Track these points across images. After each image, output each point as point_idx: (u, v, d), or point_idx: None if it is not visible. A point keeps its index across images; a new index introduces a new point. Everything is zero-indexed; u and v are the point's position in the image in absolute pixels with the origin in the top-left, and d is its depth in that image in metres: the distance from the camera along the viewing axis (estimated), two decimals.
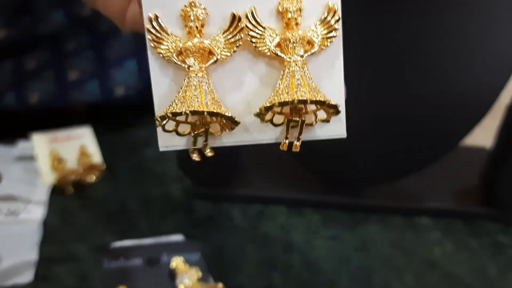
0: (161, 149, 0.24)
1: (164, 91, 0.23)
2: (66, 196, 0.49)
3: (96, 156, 0.52)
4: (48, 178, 0.49)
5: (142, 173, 0.53)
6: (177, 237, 0.43)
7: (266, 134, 0.24)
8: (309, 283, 0.43)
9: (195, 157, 0.23)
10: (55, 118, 0.55)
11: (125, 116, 0.57)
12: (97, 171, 0.51)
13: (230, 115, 0.22)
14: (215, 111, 0.22)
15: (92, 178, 0.50)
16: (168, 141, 0.23)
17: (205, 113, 0.22)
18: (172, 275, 0.39)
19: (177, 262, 0.39)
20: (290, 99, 0.22)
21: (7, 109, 0.54)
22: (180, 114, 0.22)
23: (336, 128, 0.24)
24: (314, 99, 0.22)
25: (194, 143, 0.23)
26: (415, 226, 0.49)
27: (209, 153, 0.23)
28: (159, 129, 0.23)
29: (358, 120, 0.46)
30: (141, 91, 0.56)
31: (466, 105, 0.47)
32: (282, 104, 0.22)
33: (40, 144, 0.52)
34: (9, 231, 0.44)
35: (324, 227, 0.48)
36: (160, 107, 0.23)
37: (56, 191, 0.49)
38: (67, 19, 0.54)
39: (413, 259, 0.46)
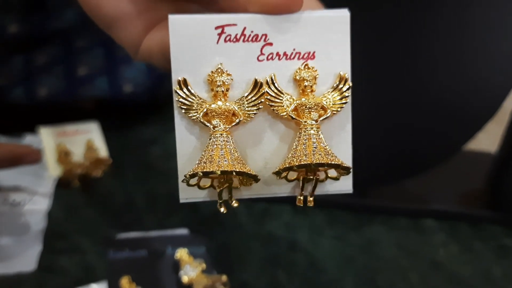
0: (182, 201, 0.26)
1: (187, 149, 0.25)
2: (72, 189, 0.49)
3: (102, 151, 0.52)
4: (54, 171, 0.49)
5: (147, 170, 0.53)
6: (182, 231, 0.43)
7: (281, 188, 0.26)
8: (313, 282, 0.43)
9: (223, 210, 0.25)
10: (63, 113, 0.55)
11: (132, 113, 0.58)
12: (103, 166, 0.51)
13: (254, 173, 0.24)
14: (242, 170, 0.24)
15: (98, 172, 0.50)
16: (189, 194, 0.25)
17: (234, 173, 0.24)
18: (176, 267, 0.39)
19: (181, 253, 0.39)
20: (309, 162, 0.24)
21: (16, 102, 0.54)
22: (211, 173, 0.23)
23: (344, 184, 0.26)
24: (331, 163, 0.24)
25: (220, 197, 0.25)
26: (420, 227, 0.49)
27: (235, 204, 0.25)
28: (180, 182, 0.25)
29: (364, 121, 0.46)
30: (149, 88, 0.56)
31: (470, 109, 0.47)
32: (301, 166, 0.24)
33: (48, 137, 0.52)
34: (14, 221, 0.44)
35: (329, 227, 0.48)
36: (183, 164, 0.25)
37: (62, 184, 0.49)
38: (78, 16, 0.54)
39: (418, 260, 0.45)
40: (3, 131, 0.54)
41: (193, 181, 0.24)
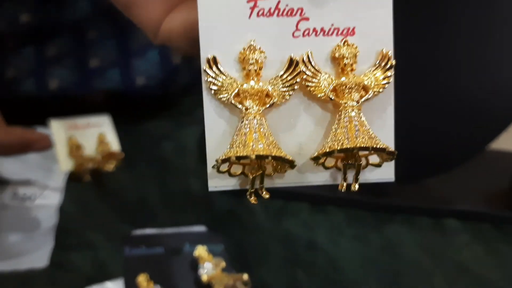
0: (210, 189, 0.24)
1: (217, 133, 0.23)
2: (83, 183, 0.47)
3: (114, 144, 0.51)
4: (65, 164, 0.48)
5: (160, 165, 0.51)
6: (200, 228, 0.42)
7: (318, 176, 0.24)
8: (334, 282, 0.41)
9: (253, 200, 0.23)
10: (74, 106, 0.54)
11: (145, 107, 0.56)
12: (116, 160, 0.49)
13: (292, 159, 0.23)
14: (279, 155, 0.22)
15: (110, 166, 0.49)
16: (218, 182, 0.24)
17: (270, 157, 0.22)
18: (194, 264, 0.37)
19: (200, 251, 0.37)
20: (352, 146, 0.22)
21: (27, 94, 0.53)
22: (246, 157, 0.22)
23: (386, 172, 0.24)
24: (376, 147, 0.22)
25: (252, 186, 0.23)
26: (442, 228, 0.47)
27: (265, 195, 0.24)
28: (209, 169, 0.23)
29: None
30: (162, 81, 0.55)
31: (494, 110, 0.46)
32: (343, 151, 0.22)
33: (59, 130, 0.50)
34: (24, 216, 0.42)
35: (349, 226, 0.47)
36: (212, 149, 0.23)
37: (73, 178, 0.47)
38: (91, 7, 0.53)
39: (442, 262, 0.44)
40: (14, 123, 0.52)
41: (224, 167, 0.23)
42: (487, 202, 0.49)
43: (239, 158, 0.22)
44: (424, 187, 0.49)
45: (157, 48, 0.55)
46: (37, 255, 0.39)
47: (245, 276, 0.36)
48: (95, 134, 0.51)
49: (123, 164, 0.50)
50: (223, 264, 0.37)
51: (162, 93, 0.56)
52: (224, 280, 0.35)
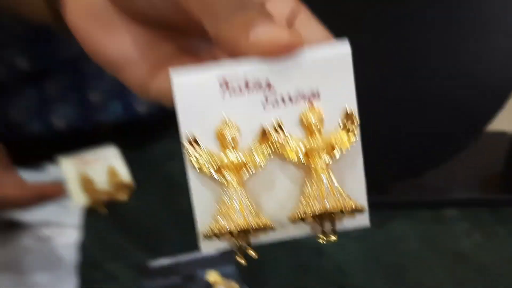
0: (204, 252, 0.26)
1: (205, 203, 0.25)
2: (100, 216, 0.50)
3: (125, 174, 0.53)
4: (79, 200, 0.51)
5: (171, 187, 0.54)
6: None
7: (299, 230, 0.26)
8: (343, 286, 0.44)
9: (243, 262, 0.25)
10: (81, 140, 0.56)
11: (149, 132, 0.59)
12: (128, 190, 0.52)
13: (271, 226, 0.25)
14: (258, 226, 0.24)
15: (123, 196, 0.52)
16: (210, 245, 0.26)
17: (261, 228, 0.24)
18: None
19: (213, 276, 0.40)
20: (323, 210, 0.24)
21: (33, 135, 0.55)
22: (228, 232, 0.24)
23: (361, 219, 0.26)
24: (344, 208, 0.24)
25: (240, 251, 0.25)
26: (443, 218, 0.49)
27: (254, 255, 0.26)
28: (200, 236, 0.25)
29: (379, 117, 0.46)
30: (162, 106, 0.57)
31: (487, 92, 0.47)
32: (315, 215, 0.24)
33: (69, 167, 0.53)
34: (46, 256, 0.45)
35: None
36: (201, 216, 0.25)
37: (90, 213, 0.50)
38: None
39: (443, 253, 0.46)
40: (24, 164, 0.55)
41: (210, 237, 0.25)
42: (483, 187, 0.51)
43: (222, 233, 0.24)
44: (421, 180, 0.51)
45: None
46: None
47: None
48: (105, 167, 0.53)
49: (135, 192, 0.53)
50: (235, 286, 0.39)
51: (164, 117, 0.58)
52: None
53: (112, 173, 0.53)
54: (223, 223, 0.24)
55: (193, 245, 0.46)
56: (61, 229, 0.48)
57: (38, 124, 0.56)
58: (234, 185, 0.25)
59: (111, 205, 0.51)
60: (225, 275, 0.41)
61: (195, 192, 0.25)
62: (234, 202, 0.24)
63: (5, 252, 0.44)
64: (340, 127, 0.25)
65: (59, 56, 0.55)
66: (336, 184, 0.25)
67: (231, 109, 0.25)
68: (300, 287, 0.44)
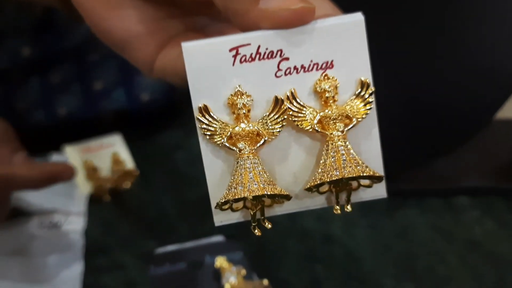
0: (217, 224, 0.26)
1: (217, 174, 0.25)
2: (104, 204, 0.50)
3: (129, 162, 0.53)
4: (84, 188, 0.50)
5: (176, 176, 0.53)
6: (218, 238, 0.44)
7: (314, 201, 0.25)
8: (353, 273, 0.43)
9: (257, 232, 0.25)
10: (85, 129, 0.55)
11: (153, 121, 0.58)
12: (132, 177, 0.51)
13: (286, 193, 0.24)
14: (273, 193, 0.24)
15: (127, 184, 0.51)
16: (223, 217, 0.25)
17: (266, 196, 0.24)
18: (216, 275, 0.39)
19: (220, 261, 0.39)
20: (341, 176, 0.23)
21: (38, 124, 0.55)
22: (243, 199, 0.23)
23: (378, 190, 0.26)
24: (363, 175, 0.24)
25: (254, 220, 0.25)
26: (454, 206, 0.48)
27: (268, 225, 0.25)
28: (213, 207, 0.25)
29: (388, 105, 0.45)
30: (166, 93, 0.56)
31: (497, 79, 0.46)
32: (332, 182, 0.24)
33: (73, 155, 0.52)
34: (54, 244, 0.45)
35: (362, 216, 0.48)
36: (213, 188, 0.25)
37: (94, 200, 0.50)
38: (88, 31, 0.54)
39: (455, 241, 0.45)
40: (29, 152, 0.55)
41: (226, 206, 0.25)
42: (495, 175, 0.50)
43: (236, 200, 0.23)
44: (431, 168, 0.50)
45: None
46: (69, 281, 0.42)
47: (265, 282, 0.38)
48: (109, 155, 0.53)
49: (139, 180, 0.52)
50: (243, 272, 0.39)
51: (167, 105, 0.58)
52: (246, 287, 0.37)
53: (116, 161, 0.52)
54: (237, 190, 0.23)
55: (198, 233, 0.46)
56: (67, 217, 0.47)
57: (42, 113, 0.55)
58: (247, 154, 0.24)
59: (116, 193, 0.50)
60: (232, 262, 0.40)
61: (207, 162, 0.25)
62: (248, 171, 0.24)
63: (13, 238, 0.44)
64: (355, 95, 0.25)
65: (63, 45, 0.55)
66: (353, 152, 0.24)
67: (243, 77, 0.24)
68: (309, 275, 0.43)
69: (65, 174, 0.42)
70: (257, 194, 0.23)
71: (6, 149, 0.41)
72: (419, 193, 0.49)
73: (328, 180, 0.23)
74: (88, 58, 0.56)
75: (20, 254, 0.42)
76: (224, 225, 0.46)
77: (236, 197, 0.23)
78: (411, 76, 0.47)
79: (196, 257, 0.41)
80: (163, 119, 0.59)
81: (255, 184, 0.23)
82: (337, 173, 0.23)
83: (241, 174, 0.24)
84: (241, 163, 0.24)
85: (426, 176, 0.50)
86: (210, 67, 0.24)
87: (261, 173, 0.24)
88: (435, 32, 0.46)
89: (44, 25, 0.53)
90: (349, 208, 0.25)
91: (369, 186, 0.25)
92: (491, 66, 0.46)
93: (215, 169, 0.25)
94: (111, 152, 0.53)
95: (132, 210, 0.50)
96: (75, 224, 0.47)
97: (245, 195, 0.23)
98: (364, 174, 0.23)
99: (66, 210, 0.48)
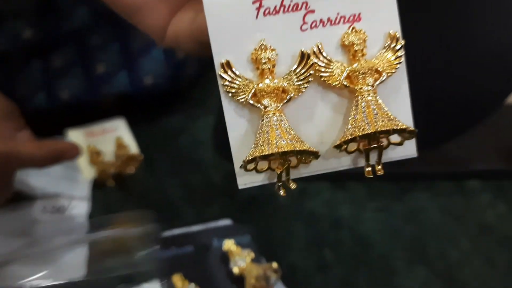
0: (240, 187, 0.24)
1: (240, 134, 0.24)
2: (108, 189, 0.49)
3: (132, 147, 0.52)
4: (88, 172, 0.49)
5: (180, 161, 0.52)
6: (225, 222, 0.43)
7: (341, 161, 0.24)
8: (362, 258, 0.42)
9: (282, 192, 0.24)
10: (88, 113, 0.54)
11: (156, 105, 0.57)
12: (136, 162, 0.50)
13: (315, 150, 0.23)
14: (303, 149, 0.23)
15: (131, 169, 0.50)
16: (246, 179, 0.24)
17: (295, 152, 0.23)
18: (224, 259, 0.38)
19: (229, 245, 0.38)
20: (373, 131, 0.22)
21: (40, 108, 0.54)
22: (271, 155, 0.22)
23: (408, 149, 0.25)
24: (396, 129, 0.23)
25: (279, 179, 0.24)
26: (464, 190, 0.48)
27: (293, 185, 0.24)
28: (237, 168, 0.24)
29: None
30: (169, 77, 0.55)
31: (507, 63, 0.45)
32: (365, 136, 0.23)
33: (77, 139, 0.51)
34: (58, 228, 0.44)
35: (371, 199, 0.47)
36: (237, 149, 0.24)
37: (98, 185, 0.49)
38: (90, 14, 0.53)
39: (466, 225, 0.44)
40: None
41: (251, 165, 0.24)
42: (506, 158, 0.49)
43: (264, 156, 0.22)
44: (442, 151, 0.49)
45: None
46: (74, 266, 0.41)
47: (275, 265, 0.37)
48: (112, 139, 0.52)
49: (143, 165, 0.51)
50: (252, 255, 0.38)
51: (171, 89, 0.56)
52: (254, 270, 0.36)
53: (120, 145, 0.51)
54: (264, 147, 0.22)
55: (204, 218, 0.45)
56: (70, 202, 0.46)
57: (44, 97, 0.54)
58: (273, 111, 0.23)
59: (119, 177, 0.49)
60: (240, 245, 0.39)
61: (230, 121, 0.24)
62: (274, 128, 0.23)
63: (16, 222, 0.43)
64: (384, 49, 0.24)
65: (64, 28, 0.53)
66: (384, 107, 0.23)
67: (266, 31, 0.23)
68: (317, 259, 0.42)
69: (70, 152, 0.41)
70: (285, 150, 0.22)
71: (10, 127, 0.40)
72: (429, 176, 0.48)
73: (360, 134, 0.22)
74: (90, 41, 0.55)
75: (26, 235, 0.42)
76: (229, 209, 0.46)
77: (264, 153, 0.22)
78: (422, 60, 0.46)
79: (204, 241, 0.40)
80: (166, 103, 0.58)
81: (283, 141, 0.22)
82: (369, 127, 0.22)
83: (267, 132, 0.23)
84: (267, 120, 0.23)
85: (436, 159, 0.49)
86: (233, 21, 0.23)
87: (288, 129, 0.23)
88: (447, 17, 0.45)
89: (45, 7, 0.52)
90: (380, 168, 0.24)
91: (399, 144, 0.24)
92: (503, 50, 0.45)
93: (238, 129, 0.24)
94: (115, 137, 0.52)
95: (136, 195, 0.49)
96: (79, 208, 0.46)
97: (273, 151, 0.22)
98: (398, 128, 0.22)
99: (70, 194, 0.47)
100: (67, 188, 0.47)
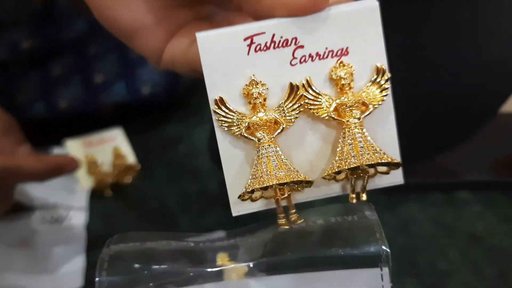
0: (234, 214, 0.26)
1: (234, 165, 0.25)
2: (106, 199, 0.50)
3: (130, 156, 0.52)
4: (86, 182, 0.50)
5: (177, 170, 0.53)
6: (220, 234, 0.44)
7: (331, 188, 0.26)
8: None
9: (285, 225, 0.25)
10: (86, 123, 0.55)
11: (154, 114, 0.58)
12: (133, 172, 0.51)
13: (310, 180, 0.24)
14: (299, 179, 0.24)
15: (129, 179, 0.51)
16: (241, 207, 0.26)
17: (293, 183, 0.24)
18: (219, 273, 0.39)
19: (222, 258, 0.39)
20: (359, 164, 0.23)
21: (38, 117, 0.55)
22: (271, 187, 0.23)
23: (394, 176, 0.26)
24: (381, 162, 0.23)
25: (280, 210, 0.25)
26: (455, 201, 0.48)
27: (299, 221, 0.26)
28: (231, 197, 0.25)
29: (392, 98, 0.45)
30: (167, 86, 0.56)
31: (501, 73, 0.46)
32: (351, 169, 0.24)
33: (75, 149, 0.52)
34: (56, 239, 0.44)
35: None
36: (231, 180, 0.25)
37: (95, 195, 0.49)
38: (88, 23, 0.54)
39: (456, 236, 0.45)
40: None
41: (248, 196, 0.25)
42: (497, 169, 0.50)
43: (264, 188, 0.23)
44: (433, 162, 0.50)
45: None
46: (72, 276, 0.42)
47: None
48: (110, 149, 0.53)
49: (141, 174, 0.52)
50: (245, 269, 0.39)
51: (168, 98, 0.57)
52: None
53: (118, 155, 0.52)
54: (264, 179, 0.23)
55: (201, 229, 0.46)
56: (68, 212, 0.47)
57: (42, 106, 0.55)
58: (268, 143, 0.24)
59: (117, 187, 0.50)
60: (234, 258, 0.40)
61: (224, 153, 0.25)
62: (271, 159, 0.24)
63: (15, 232, 0.44)
64: (371, 82, 0.25)
65: (63, 38, 0.54)
66: (370, 139, 0.24)
67: (257, 66, 0.24)
68: (311, 270, 0.43)
69: (69, 166, 0.42)
70: (285, 181, 0.23)
71: (11, 141, 0.41)
72: (421, 187, 0.49)
73: (346, 167, 0.23)
74: (89, 51, 0.55)
75: (24, 246, 0.42)
76: (224, 220, 0.47)
77: (264, 185, 0.23)
78: (414, 70, 0.47)
79: (198, 253, 0.41)
80: (164, 112, 0.58)
81: (281, 172, 0.23)
82: (355, 160, 0.23)
83: (264, 163, 0.24)
84: (263, 151, 0.24)
85: (428, 170, 0.50)
86: (225, 57, 0.24)
87: (284, 160, 0.24)
88: (441, 26, 0.46)
89: (44, 17, 0.53)
90: (364, 196, 0.25)
91: (386, 173, 0.25)
92: (496, 60, 0.46)
93: (232, 160, 0.25)
94: (113, 147, 0.53)
95: (134, 205, 0.49)
96: (77, 218, 0.47)
97: (273, 182, 0.23)
98: (382, 161, 0.23)
99: (68, 204, 0.48)
100: (65, 198, 0.48)
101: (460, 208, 0.48)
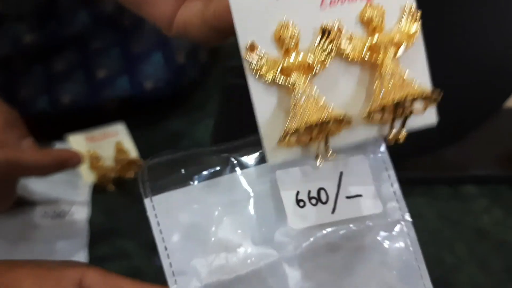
0: (271, 163, 0.25)
1: (268, 113, 0.25)
2: (108, 194, 0.49)
3: (132, 151, 0.52)
4: (88, 177, 0.50)
5: None
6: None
7: (368, 131, 0.25)
8: None
9: (320, 163, 0.25)
10: (88, 117, 0.55)
11: (156, 109, 0.57)
12: (136, 167, 0.51)
13: (350, 115, 0.24)
14: (340, 116, 0.24)
15: (131, 173, 0.50)
16: (277, 155, 0.25)
17: (344, 119, 0.24)
18: None
19: None
20: (405, 95, 0.23)
21: (41, 112, 0.54)
22: (316, 124, 0.23)
23: (427, 117, 0.26)
24: (424, 94, 0.24)
25: (319, 148, 0.25)
26: (461, 195, 0.48)
27: (332, 155, 0.25)
28: (266, 145, 0.24)
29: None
30: (170, 81, 0.56)
31: (506, 68, 0.45)
32: (395, 105, 0.24)
33: (77, 144, 0.52)
34: (58, 234, 0.44)
35: None
36: (266, 129, 0.25)
37: (98, 190, 0.49)
38: (91, 18, 0.54)
39: (463, 230, 0.45)
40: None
41: (286, 138, 0.24)
42: (503, 163, 0.49)
43: (308, 127, 0.23)
44: (439, 156, 0.50)
45: (160, 50, 0.56)
46: None
47: None
48: (113, 144, 0.52)
49: None
50: None
51: (171, 93, 0.57)
52: None
53: (120, 150, 0.52)
54: (304, 118, 0.23)
55: None
56: (71, 207, 0.47)
57: (45, 101, 0.55)
58: (303, 84, 0.24)
59: (119, 182, 0.50)
60: None
61: (257, 101, 0.24)
62: (309, 100, 0.23)
63: (16, 227, 0.43)
64: (401, 22, 0.25)
65: (66, 32, 0.54)
66: (407, 76, 0.24)
67: (288, 10, 0.24)
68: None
69: (72, 160, 0.42)
70: (327, 118, 0.23)
71: (14, 135, 0.41)
72: (427, 181, 0.49)
73: (391, 101, 0.23)
74: (92, 46, 0.55)
75: (24, 242, 0.42)
76: None
77: (309, 122, 0.23)
78: None
79: None
80: (167, 107, 0.58)
81: (319, 113, 0.23)
82: (399, 95, 0.23)
83: (302, 104, 0.23)
84: (300, 94, 0.24)
85: (434, 164, 0.49)
86: (256, 2, 0.23)
87: (321, 100, 0.24)
88: (446, 19, 0.45)
89: (47, 11, 0.53)
90: (403, 134, 0.25)
91: (424, 108, 0.25)
92: (501, 55, 0.45)
93: (266, 108, 0.24)
94: (115, 142, 0.52)
95: (136, 199, 0.49)
96: (79, 213, 0.46)
97: (317, 119, 0.23)
98: (425, 94, 0.23)
99: (70, 199, 0.47)
100: (68, 193, 0.48)
101: (466, 202, 0.47)
